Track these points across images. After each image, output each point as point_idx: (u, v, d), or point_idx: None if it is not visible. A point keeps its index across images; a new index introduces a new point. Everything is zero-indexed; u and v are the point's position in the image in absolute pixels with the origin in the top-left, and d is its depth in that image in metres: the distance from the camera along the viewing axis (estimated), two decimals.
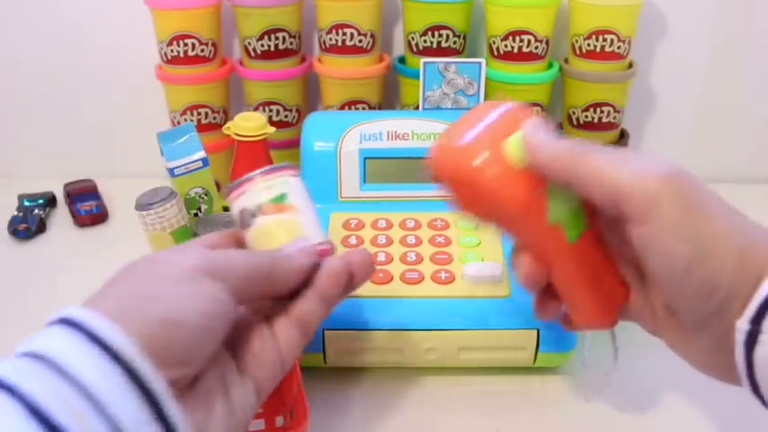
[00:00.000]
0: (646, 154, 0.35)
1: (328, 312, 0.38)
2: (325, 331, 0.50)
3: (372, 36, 0.73)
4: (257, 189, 0.39)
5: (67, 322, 0.29)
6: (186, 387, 0.31)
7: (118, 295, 0.32)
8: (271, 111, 0.76)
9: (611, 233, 0.39)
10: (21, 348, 0.29)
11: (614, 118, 0.76)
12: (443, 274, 0.53)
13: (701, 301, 0.33)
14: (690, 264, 0.32)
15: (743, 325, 0.32)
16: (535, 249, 0.39)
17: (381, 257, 0.55)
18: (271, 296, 0.37)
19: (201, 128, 0.74)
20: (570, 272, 0.39)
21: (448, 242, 0.57)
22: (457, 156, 0.37)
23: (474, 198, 0.37)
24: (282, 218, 0.39)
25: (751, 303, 0.32)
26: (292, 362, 0.37)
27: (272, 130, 0.64)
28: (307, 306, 0.37)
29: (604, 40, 0.71)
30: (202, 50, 0.73)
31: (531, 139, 0.36)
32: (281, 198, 0.39)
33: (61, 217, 0.78)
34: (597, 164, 0.34)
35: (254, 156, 0.64)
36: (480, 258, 0.55)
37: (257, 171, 0.40)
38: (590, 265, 0.39)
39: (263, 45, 0.73)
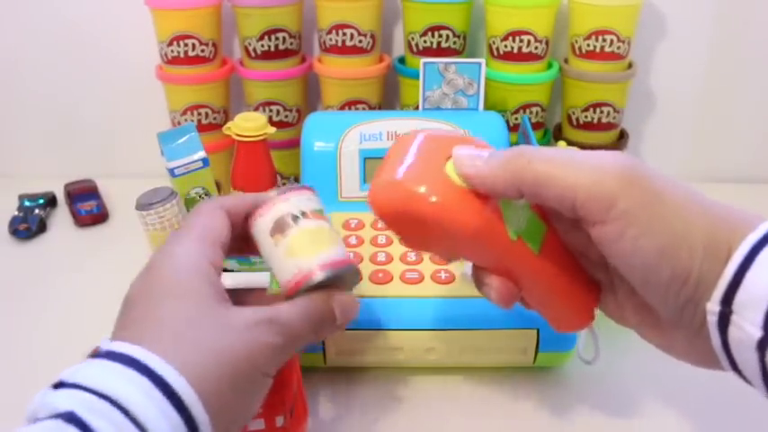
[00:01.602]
0: (593, 152, 0.34)
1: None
2: None
3: (372, 36, 0.73)
4: (303, 198, 0.38)
5: (140, 367, 0.30)
6: None
7: (183, 341, 0.31)
8: (271, 111, 0.76)
9: (571, 235, 0.38)
10: (75, 378, 0.29)
11: (614, 118, 0.76)
12: (443, 274, 0.53)
13: (674, 293, 0.33)
14: (659, 258, 0.32)
15: (713, 307, 0.32)
16: (502, 268, 0.37)
17: (381, 257, 0.55)
18: None
19: (202, 128, 0.74)
20: (542, 283, 0.38)
21: None
22: (402, 190, 0.35)
23: (426, 231, 0.36)
24: (325, 225, 0.39)
25: (720, 283, 0.31)
26: None
27: (272, 130, 0.64)
28: None
29: (604, 40, 0.71)
30: (203, 51, 0.73)
31: (463, 169, 0.35)
32: (321, 211, 0.39)
33: (61, 217, 0.78)
34: (545, 168, 0.33)
35: (255, 156, 0.65)
36: None
37: (291, 186, 0.39)
38: (560, 271, 0.38)
39: (263, 45, 0.73)
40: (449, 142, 0.37)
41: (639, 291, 0.35)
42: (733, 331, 0.31)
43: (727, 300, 0.31)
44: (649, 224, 0.32)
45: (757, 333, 0.30)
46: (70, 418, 0.27)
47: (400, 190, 0.35)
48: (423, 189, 0.34)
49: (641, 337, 0.39)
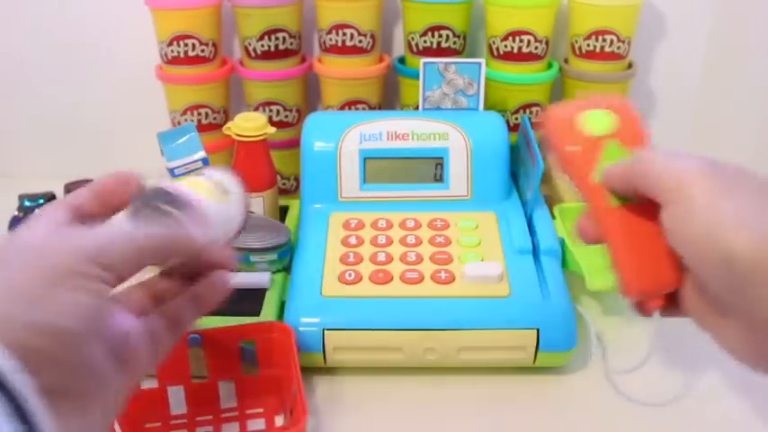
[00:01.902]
0: (684, 153, 0.37)
1: (202, 314, 0.38)
2: (325, 331, 0.50)
3: (372, 36, 0.73)
4: (210, 171, 0.42)
5: None
6: (63, 391, 0.30)
7: None
8: (271, 111, 0.76)
9: None
10: None
11: None
12: (443, 274, 0.53)
13: (720, 276, 0.33)
14: (705, 237, 0.33)
15: None
16: (587, 205, 0.42)
17: (381, 257, 0.55)
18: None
19: (202, 128, 0.74)
20: (610, 235, 0.41)
21: (448, 242, 0.57)
22: (550, 120, 0.43)
23: (554, 150, 0.43)
24: (210, 186, 0.41)
25: None
26: (164, 356, 0.37)
27: (272, 130, 0.64)
28: (181, 305, 0.37)
29: (604, 40, 0.71)
30: (203, 51, 0.73)
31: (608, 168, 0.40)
32: (223, 188, 0.41)
33: None
34: (641, 165, 0.37)
35: (255, 156, 0.65)
36: (480, 258, 0.55)
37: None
38: (633, 236, 0.40)
39: (263, 45, 0.73)
40: (618, 108, 0.42)
41: (693, 270, 0.36)
42: None
43: None
44: (704, 209, 0.34)
45: None
46: None
47: (549, 119, 0.43)
48: (557, 120, 0.43)
49: (703, 330, 0.38)
